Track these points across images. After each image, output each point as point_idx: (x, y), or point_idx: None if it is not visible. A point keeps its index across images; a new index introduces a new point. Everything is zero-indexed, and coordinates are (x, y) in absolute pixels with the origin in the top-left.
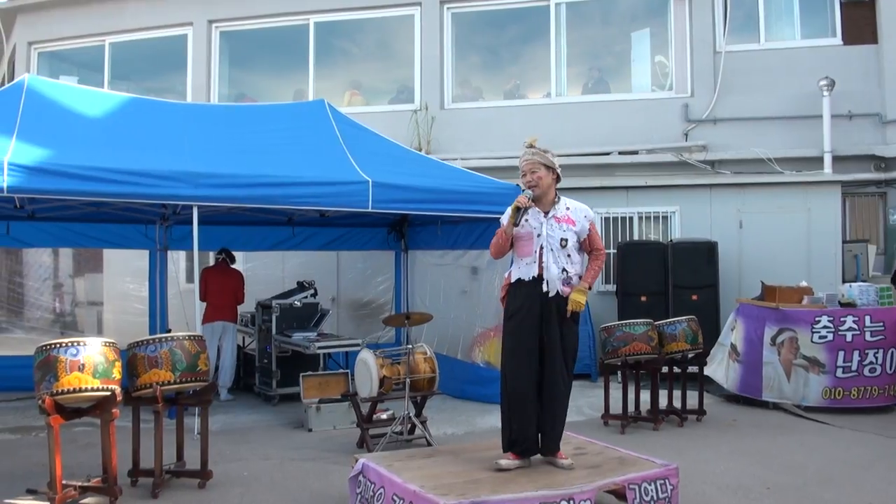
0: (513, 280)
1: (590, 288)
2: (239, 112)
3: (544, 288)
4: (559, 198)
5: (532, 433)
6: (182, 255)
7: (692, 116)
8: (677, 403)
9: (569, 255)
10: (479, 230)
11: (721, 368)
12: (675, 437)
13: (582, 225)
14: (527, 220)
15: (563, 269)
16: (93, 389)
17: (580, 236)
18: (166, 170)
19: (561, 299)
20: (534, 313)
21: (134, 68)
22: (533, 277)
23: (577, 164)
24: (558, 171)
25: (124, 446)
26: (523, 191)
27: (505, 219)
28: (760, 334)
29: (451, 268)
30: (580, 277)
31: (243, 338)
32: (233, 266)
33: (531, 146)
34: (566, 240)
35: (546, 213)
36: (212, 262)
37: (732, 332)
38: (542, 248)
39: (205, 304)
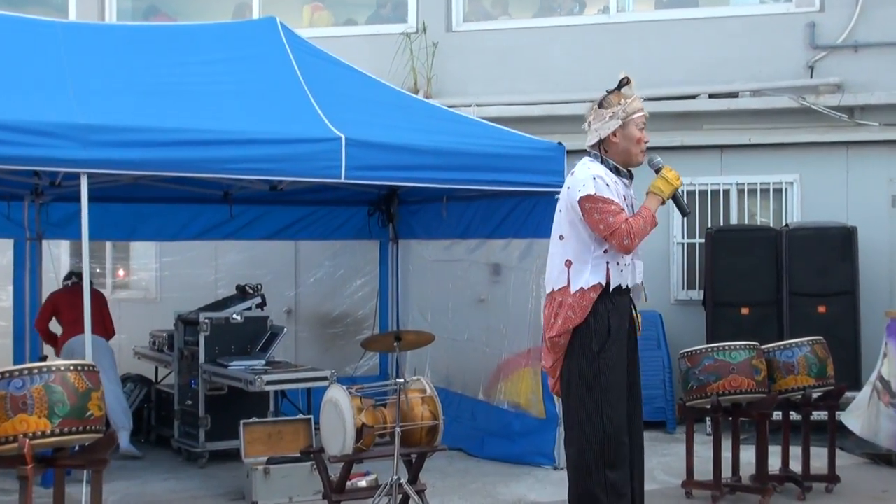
0: (612, 285)
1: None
2: (149, 36)
3: (638, 299)
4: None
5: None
6: (64, 246)
7: (821, 41)
8: (796, 466)
9: None
10: (505, 210)
11: (870, 417)
12: None
13: None
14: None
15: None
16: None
17: None
18: (40, 121)
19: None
20: (625, 334)
21: None
22: (630, 285)
23: (647, 111)
24: None
25: None
26: (653, 160)
27: (613, 195)
28: None
29: (461, 265)
30: None
31: (156, 368)
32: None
33: (629, 83)
34: None
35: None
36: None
37: (884, 362)
38: None
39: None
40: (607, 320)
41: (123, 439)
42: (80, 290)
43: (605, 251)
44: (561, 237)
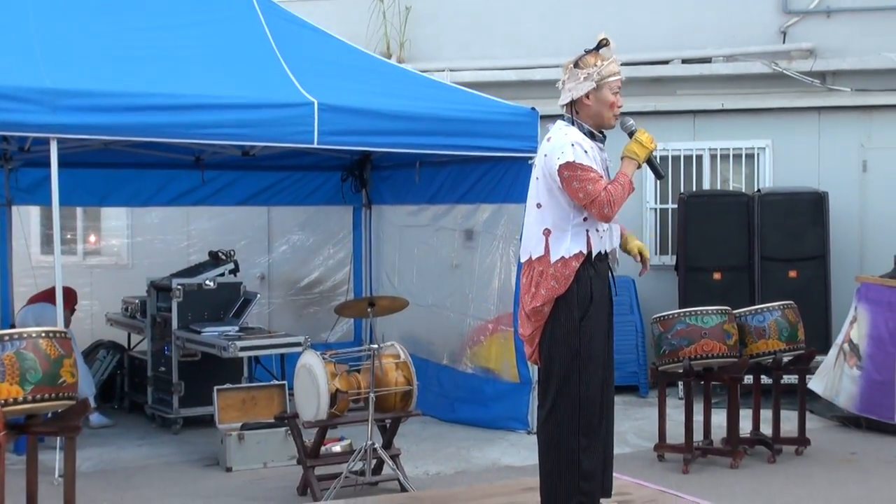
0: (594, 252)
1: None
2: None
3: (614, 267)
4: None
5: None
6: (34, 213)
7: (793, 6)
8: (766, 429)
9: None
10: (476, 175)
11: (834, 379)
12: (762, 479)
13: None
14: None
15: None
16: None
17: None
18: (7, 85)
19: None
20: (606, 302)
21: None
22: (608, 251)
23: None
24: None
25: None
26: (626, 123)
27: (590, 162)
28: (894, 328)
29: (431, 231)
30: None
31: (128, 335)
32: None
33: (607, 44)
34: None
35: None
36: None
37: (851, 326)
38: None
39: None
40: (590, 288)
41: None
42: None
43: (585, 219)
44: (538, 205)
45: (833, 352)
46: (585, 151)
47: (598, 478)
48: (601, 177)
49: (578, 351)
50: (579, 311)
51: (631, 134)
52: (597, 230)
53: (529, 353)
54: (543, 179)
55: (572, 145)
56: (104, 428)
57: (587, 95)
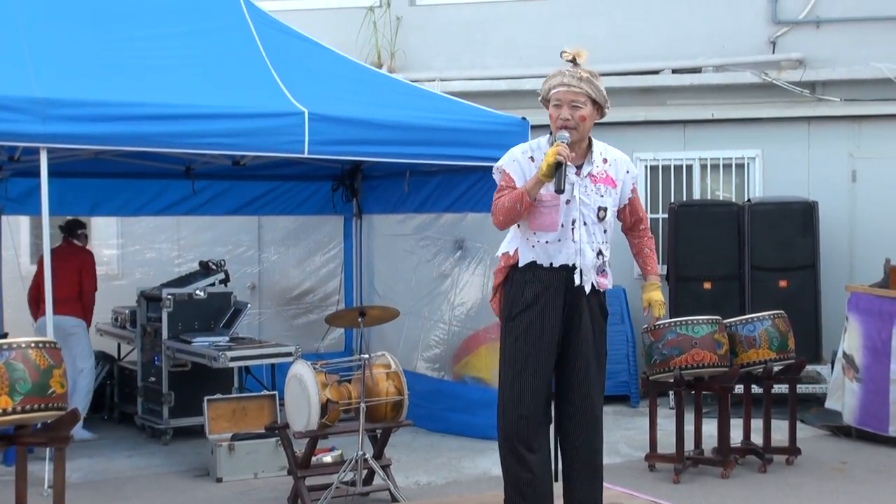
0: (521, 262)
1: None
2: (109, 8)
3: (577, 280)
4: (593, 144)
5: (548, 490)
6: (24, 223)
7: (783, 16)
8: (757, 438)
9: (605, 232)
10: (466, 184)
11: (840, 394)
12: (753, 488)
13: (624, 185)
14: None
15: (600, 253)
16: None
17: (620, 202)
18: None
19: (595, 296)
20: (555, 311)
21: None
22: (555, 264)
23: (609, 87)
24: (607, 108)
25: None
26: (554, 136)
27: (520, 173)
28: (886, 338)
29: (419, 240)
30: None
31: (118, 345)
32: (78, 243)
33: (574, 62)
34: (605, 209)
35: (579, 168)
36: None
37: (844, 337)
38: (573, 221)
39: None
40: (521, 291)
41: (76, 428)
42: (70, 247)
43: (519, 226)
44: None
45: (837, 367)
46: (513, 160)
47: (529, 490)
48: (510, 188)
49: (504, 350)
50: (507, 311)
51: None
52: (528, 239)
53: None
54: None
55: (510, 153)
56: (90, 441)
57: (547, 108)
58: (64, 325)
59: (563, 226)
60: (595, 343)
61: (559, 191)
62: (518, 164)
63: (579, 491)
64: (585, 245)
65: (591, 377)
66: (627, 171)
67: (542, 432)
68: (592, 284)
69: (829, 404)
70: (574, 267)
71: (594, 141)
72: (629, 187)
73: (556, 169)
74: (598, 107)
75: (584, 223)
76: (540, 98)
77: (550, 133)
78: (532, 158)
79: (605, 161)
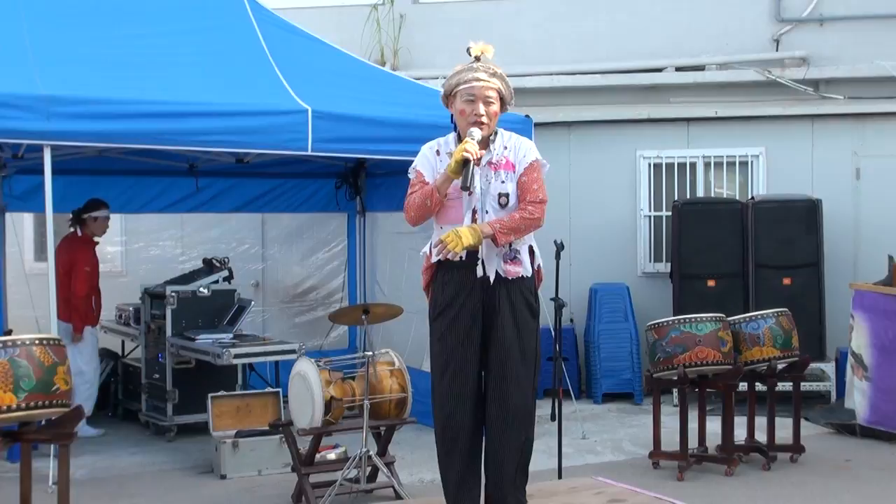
0: (433, 258)
1: (495, 241)
2: (113, 5)
3: (479, 271)
4: (496, 132)
5: (477, 487)
6: (28, 220)
7: (787, 14)
8: (761, 436)
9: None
10: None
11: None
12: (757, 486)
13: (520, 168)
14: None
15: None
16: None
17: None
18: (1, 92)
19: (510, 284)
20: (473, 309)
21: None
22: (464, 257)
23: (613, 84)
24: (511, 105)
25: None
26: (458, 132)
27: (429, 169)
28: (894, 336)
29: (421, 238)
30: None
31: (122, 342)
32: (82, 234)
33: (478, 58)
34: (507, 195)
35: (478, 159)
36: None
37: (851, 335)
38: (475, 211)
39: None
40: (440, 291)
41: (82, 426)
42: (74, 239)
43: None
44: None
45: (849, 366)
46: (424, 157)
47: (450, 489)
48: (421, 183)
49: (431, 352)
50: (431, 312)
51: None
52: (440, 236)
53: None
54: None
55: (421, 150)
56: (96, 439)
57: (449, 105)
58: (65, 329)
59: (466, 217)
60: (519, 336)
61: (464, 188)
62: (426, 159)
63: (502, 463)
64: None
65: (514, 370)
66: (525, 155)
67: (473, 433)
68: (498, 273)
69: (848, 403)
70: (477, 259)
71: (500, 131)
72: (523, 167)
73: (464, 166)
74: (503, 104)
75: (487, 211)
76: (443, 94)
77: (455, 128)
78: (438, 153)
79: (505, 147)
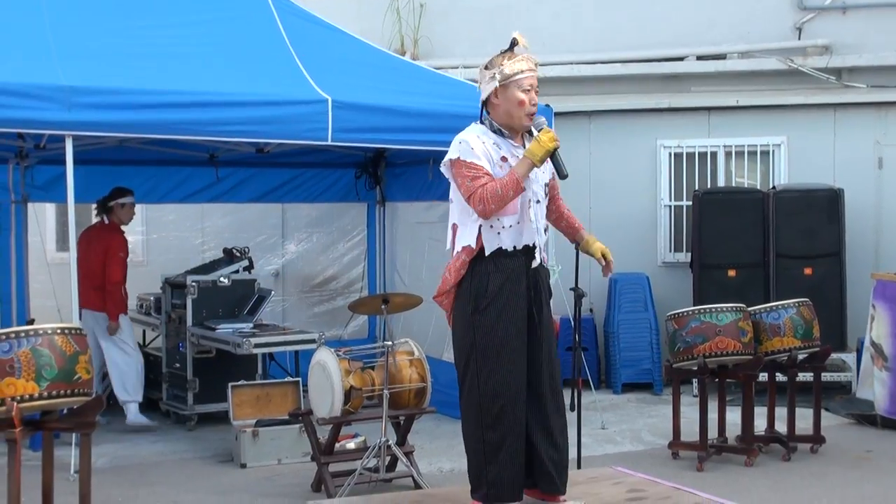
0: (488, 250)
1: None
2: None
3: (537, 259)
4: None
5: (521, 476)
6: (50, 210)
7: (809, 2)
8: (781, 427)
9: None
10: None
11: (870, 383)
12: (777, 477)
13: None
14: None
15: (546, 229)
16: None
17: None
18: (23, 82)
19: (541, 273)
20: (521, 297)
21: None
22: (518, 247)
23: (633, 73)
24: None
25: None
26: (536, 122)
27: (487, 159)
28: None
29: (441, 227)
30: None
31: (143, 332)
32: (110, 222)
33: (514, 46)
34: (547, 184)
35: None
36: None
37: (872, 325)
38: (528, 200)
39: None
40: (486, 282)
41: (131, 412)
42: (102, 228)
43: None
44: (451, 200)
45: (866, 356)
46: (472, 148)
47: (506, 475)
48: (485, 174)
49: (474, 343)
50: (472, 305)
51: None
52: (492, 226)
53: None
54: (448, 176)
55: (459, 142)
56: (138, 427)
57: (495, 95)
58: (95, 318)
59: (521, 207)
60: (550, 318)
61: (564, 176)
62: (477, 149)
63: (549, 453)
64: (540, 224)
65: (553, 362)
66: None
67: (521, 417)
68: (541, 262)
69: (860, 394)
70: (534, 247)
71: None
72: None
73: (553, 155)
74: None
75: (537, 201)
76: (498, 81)
77: (487, 113)
78: (471, 147)
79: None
